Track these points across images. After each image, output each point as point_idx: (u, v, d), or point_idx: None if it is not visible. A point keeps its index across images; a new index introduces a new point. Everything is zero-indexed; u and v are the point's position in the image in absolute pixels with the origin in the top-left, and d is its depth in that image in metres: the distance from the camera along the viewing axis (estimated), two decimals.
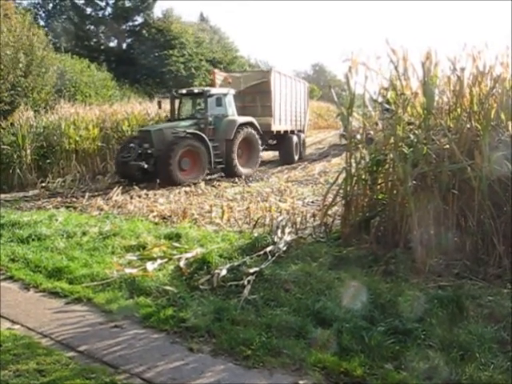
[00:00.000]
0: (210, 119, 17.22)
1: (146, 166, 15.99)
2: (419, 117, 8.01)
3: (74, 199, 13.98)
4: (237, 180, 16.51)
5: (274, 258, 7.15)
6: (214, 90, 18.04)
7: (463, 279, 6.47)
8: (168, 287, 6.25)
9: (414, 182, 7.42)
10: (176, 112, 18.70)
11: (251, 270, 6.43)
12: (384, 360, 4.48)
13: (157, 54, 36.46)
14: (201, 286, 6.29)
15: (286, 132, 21.70)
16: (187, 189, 15.16)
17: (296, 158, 22.27)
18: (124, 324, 5.49)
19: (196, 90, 18.32)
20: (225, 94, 17.91)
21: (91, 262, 7.44)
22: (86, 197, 13.89)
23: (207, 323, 5.26)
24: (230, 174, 17.47)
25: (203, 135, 16.67)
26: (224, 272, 6.51)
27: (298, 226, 8.96)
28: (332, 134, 38.27)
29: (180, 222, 10.32)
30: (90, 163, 19.07)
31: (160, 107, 19.73)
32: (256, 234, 8.73)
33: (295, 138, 22.41)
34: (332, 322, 5.16)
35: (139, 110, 22.41)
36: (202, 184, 15.77)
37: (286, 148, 21.21)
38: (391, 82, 8.02)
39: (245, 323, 5.26)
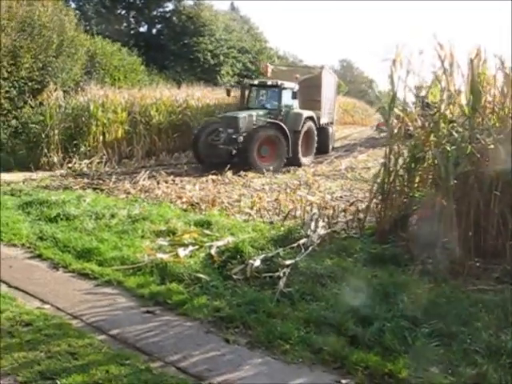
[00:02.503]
0: (283, 111, 17.93)
1: (234, 150, 16.42)
2: (462, 115, 7.72)
3: (101, 181, 13.85)
4: (264, 171, 16.27)
5: (308, 251, 6.96)
6: (286, 84, 18.50)
7: (503, 284, 6.22)
8: (200, 275, 6.10)
9: (456, 181, 7.14)
10: (245, 101, 19.37)
11: (287, 262, 6.24)
12: (429, 363, 4.28)
13: (186, 41, 36.28)
14: (234, 276, 6.13)
15: (325, 124, 22.14)
16: (214, 177, 14.97)
17: (330, 148, 22.98)
18: (156, 310, 5.36)
19: (270, 82, 18.81)
20: (292, 89, 18.42)
21: (121, 244, 7.32)
22: (113, 179, 13.78)
23: (242, 314, 5.11)
24: (293, 162, 17.84)
25: (283, 125, 17.13)
26: (258, 262, 6.34)
27: (329, 220, 8.72)
28: (358, 131, 38.01)
29: (209, 209, 10.16)
30: (117, 146, 18.90)
31: (229, 95, 20.77)
32: (287, 226, 8.58)
33: (330, 129, 22.97)
34: (373, 321, 4.96)
35: (168, 95, 22.24)
36: (229, 173, 15.58)
37: (323, 138, 21.29)
38: (436, 77, 7.71)
39: (281, 316, 5.10)
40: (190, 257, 6.87)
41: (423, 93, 8.28)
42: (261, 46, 45.79)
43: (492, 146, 7.10)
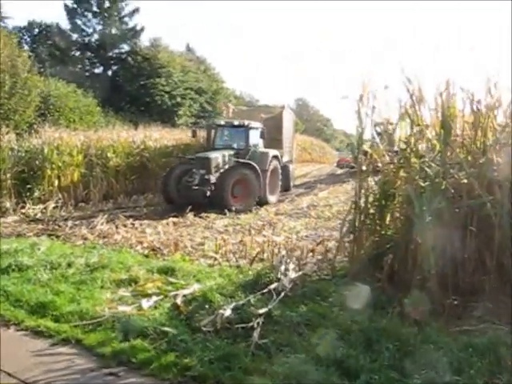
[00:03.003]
0: (251, 150, 18.29)
1: (208, 191, 16.33)
2: (431, 149, 7.57)
3: (56, 227, 13.19)
4: (226, 212, 15.90)
5: (280, 297, 6.56)
6: (253, 124, 18.99)
7: (485, 323, 5.99)
8: (167, 328, 5.61)
9: (430, 217, 6.92)
10: (212, 141, 19.71)
11: (260, 311, 5.82)
12: None
13: (142, 83, 36.07)
14: (203, 328, 5.65)
15: (286, 162, 22.39)
16: (175, 219, 14.52)
17: (291, 185, 23.18)
18: (120, 371, 4.84)
19: (236, 122, 19.05)
20: (257, 128, 19.02)
21: (79, 297, 6.75)
22: (69, 225, 13.16)
23: (216, 372, 4.66)
24: (261, 201, 17.92)
25: (255, 165, 17.35)
26: (228, 312, 5.89)
27: (299, 262, 8.36)
28: (316, 168, 38.21)
29: (172, 254, 9.69)
30: (73, 190, 18.28)
31: (194, 136, 21.07)
32: (256, 270, 8.20)
33: (291, 167, 23.23)
34: (359, 373, 4.58)
35: (125, 137, 21.81)
36: (190, 215, 15.15)
37: (284, 177, 21.25)
38: (405, 111, 7.56)
39: (259, 373, 4.68)
40: (155, 308, 6.38)
41: (390, 128, 8.08)
42: (217, 86, 46.01)
43: (465, 181, 6.94)
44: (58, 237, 11.83)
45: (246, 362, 4.85)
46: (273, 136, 20.65)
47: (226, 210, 15.72)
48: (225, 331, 5.64)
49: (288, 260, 7.88)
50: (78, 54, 39.05)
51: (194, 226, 13.59)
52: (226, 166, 17.17)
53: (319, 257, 9.64)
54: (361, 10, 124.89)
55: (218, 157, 17.18)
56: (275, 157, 19.19)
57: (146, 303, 6.33)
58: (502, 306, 6.34)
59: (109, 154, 20.05)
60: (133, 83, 35.78)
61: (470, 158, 7.11)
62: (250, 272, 8.17)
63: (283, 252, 8.70)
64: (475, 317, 6.21)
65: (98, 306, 6.36)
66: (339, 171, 34.08)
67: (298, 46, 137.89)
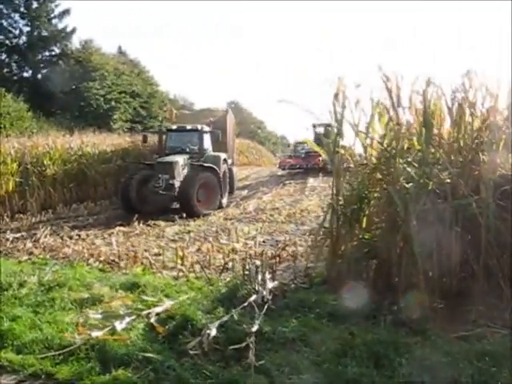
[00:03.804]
0: (205, 154, 18.35)
1: (175, 196, 16.33)
2: (409, 149, 7.30)
3: None
4: (176, 218, 15.26)
5: (264, 311, 6.07)
6: (205, 128, 19.05)
7: (481, 327, 5.79)
8: (149, 354, 5.00)
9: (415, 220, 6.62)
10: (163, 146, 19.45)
11: (253, 329, 5.30)
12: None
13: (75, 86, 34.63)
14: (190, 351, 5.07)
15: (230, 165, 22.17)
16: (122, 228, 13.77)
17: (235, 188, 23.07)
18: None
19: (189, 127, 18.86)
20: (207, 132, 19.05)
21: (39, 322, 5.96)
22: (10, 238, 12.15)
23: None
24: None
25: (216, 168, 17.51)
26: (214, 332, 5.34)
27: (272, 271, 7.91)
28: (255, 171, 37.88)
29: (130, 267, 9.01)
30: (8, 201, 17.10)
31: (145, 141, 20.83)
32: (228, 281, 7.71)
33: (234, 170, 23.24)
34: None
35: (61, 143, 20.69)
36: (136, 223, 14.41)
37: (229, 179, 21.06)
38: (384, 110, 7.23)
39: None
40: (129, 330, 5.73)
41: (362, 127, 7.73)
42: (152, 89, 44.91)
43: (448, 181, 6.69)
44: None
45: None
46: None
47: (177, 217, 15.15)
48: (213, 353, 5.11)
49: (263, 269, 7.41)
50: (4, 56, 37.15)
51: (144, 235, 12.90)
52: (185, 171, 17.12)
53: (286, 263, 9.29)
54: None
55: (179, 161, 17.00)
56: (225, 160, 19.24)
57: (119, 325, 5.67)
58: (494, 309, 6.14)
59: (45, 162, 18.96)
60: (65, 87, 34.27)
61: (452, 157, 6.84)
62: (220, 284, 7.68)
63: (256, 261, 8.18)
64: (470, 321, 5.97)
65: (64, 332, 5.65)
66: (280, 172, 33.93)
67: (227, 50, 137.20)
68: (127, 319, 5.88)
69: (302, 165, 32.24)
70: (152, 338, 5.49)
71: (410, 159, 6.96)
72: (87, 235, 12.79)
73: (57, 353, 5.09)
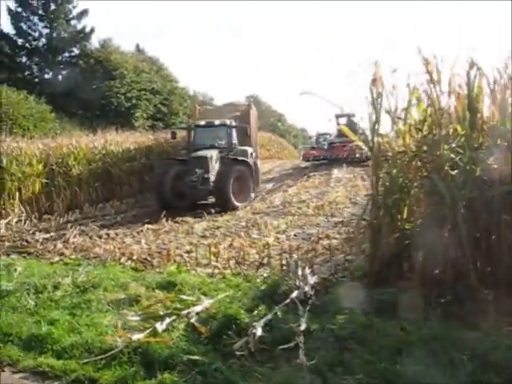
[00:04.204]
0: (234, 148, 18.37)
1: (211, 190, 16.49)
2: (452, 134, 6.96)
3: (25, 243, 12.09)
4: (204, 214, 15.08)
5: (308, 308, 5.84)
6: (233, 123, 19.06)
7: None
8: (195, 356, 4.79)
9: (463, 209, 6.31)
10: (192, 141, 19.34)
11: (302, 328, 5.06)
12: None
13: (95, 86, 34.64)
14: (237, 352, 4.86)
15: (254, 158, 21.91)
16: (150, 226, 13.62)
17: (259, 182, 22.60)
18: None
19: (217, 122, 18.82)
20: (235, 127, 19.01)
21: (77, 325, 5.82)
22: (39, 239, 12.07)
23: None
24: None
25: (249, 161, 17.84)
26: (259, 331, 5.12)
27: (312, 265, 7.66)
28: (277, 164, 37.58)
29: (163, 265, 8.83)
30: (35, 202, 17.05)
31: (174, 138, 20.28)
32: (262, 277, 7.50)
33: (259, 164, 22.52)
34: None
35: (85, 142, 20.60)
36: (164, 220, 14.26)
37: (255, 173, 20.86)
38: (426, 95, 6.90)
39: None
40: (169, 331, 5.54)
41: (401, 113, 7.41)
42: (172, 86, 44.74)
43: (495, 166, 6.36)
44: (29, 254, 10.79)
45: None
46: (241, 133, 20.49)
47: (205, 213, 14.96)
48: (260, 353, 4.89)
49: (303, 264, 7.18)
50: (24, 59, 37.30)
51: (173, 232, 12.73)
52: (217, 165, 17.10)
53: (322, 257, 9.04)
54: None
55: (212, 155, 17.09)
56: (251, 154, 19.07)
57: (160, 327, 5.48)
58: None
59: (70, 162, 18.81)
60: (86, 87, 34.26)
61: (499, 141, 6.49)
62: (258, 280, 7.46)
63: (295, 256, 7.95)
64: None
65: (104, 334, 5.48)
66: (303, 164, 33.71)
67: (246, 42, 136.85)
68: (167, 320, 5.68)
69: (326, 156, 32.03)
70: (195, 339, 5.30)
71: (453, 145, 6.62)
72: (116, 234, 12.67)
73: (98, 357, 4.90)
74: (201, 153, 17.42)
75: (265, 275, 7.77)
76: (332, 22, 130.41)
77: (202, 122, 19.07)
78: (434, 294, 6.15)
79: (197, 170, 16.51)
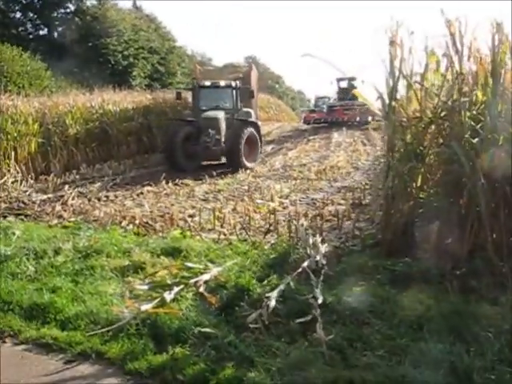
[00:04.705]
0: (240, 110, 18.21)
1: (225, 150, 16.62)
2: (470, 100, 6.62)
3: (22, 204, 11.79)
4: (206, 177, 14.78)
5: (321, 278, 5.61)
6: (239, 84, 18.73)
7: None
8: (207, 329, 4.57)
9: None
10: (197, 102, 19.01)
11: (319, 301, 4.83)
12: None
13: (92, 44, 33.80)
14: (250, 325, 4.64)
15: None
16: (150, 188, 13.34)
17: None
18: None
19: (223, 83, 18.60)
20: (240, 88, 18.68)
21: (81, 293, 5.57)
22: (37, 201, 11.78)
23: None
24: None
25: (258, 123, 18.14)
26: (273, 303, 4.89)
27: (321, 233, 7.42)
28: (276, 126, 37.25)
29: (167, 230, 8.58)
30: (31, 162, 16.67)
31: (179, 98, 20.52)
32: (270, 243, 7.28)
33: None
34: (469, 373, 3.70)
35: (82, 101, 20.10)
36: (164, 182, 13.97)
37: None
38: (447, 58, 6.53)
39: (359, 382, 3.69)
40: (177, 301, 5.31)
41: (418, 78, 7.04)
42: (169, 45, 43.83)
43: None
44: (26, 216, 10.51)
45: (326, 369, 3.88)
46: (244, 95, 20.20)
47: (207, 176, 14.67)
48: (275, 326, 4.68)
49: (313, 232, 6.94)
50: (18, 15, 36.30)
51: (174, 195, 12.45)
52: (224, 126, 17.04)
53: (328, 224, 8.80)
54: None
55: (222, 117, 17.09)
56: (254, 116, 18.87)
57: (168, 296, 5.24)
58: None
59: (67, 121, 18.33)
60: (82, 44, 33.42)
61: None
62: (266, 247, 7.23)
63: (304, 223, 7.70)
64: None
65: (109, 304, 5.24)
66: (303, 127, 33.59)
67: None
68: (175, 289, 5.44)
69: (327, 119, 32.02)
70: (205, 310, 5.08)
71: (474, 112, 6.30)
72: (115, 196, 12.41)
73: (105, 329, 4.66)
74: (211, 114, 17.26)
75: (272, 242, 7.55)
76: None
77: (208, 83, 18.70)
78: (448, 266, 5.94)
79: (210, 131, 16.48)
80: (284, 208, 10.46)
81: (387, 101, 6.79)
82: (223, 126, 16.95)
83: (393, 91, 6.71)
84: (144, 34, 39.07)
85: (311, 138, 27.69)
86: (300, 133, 31.64)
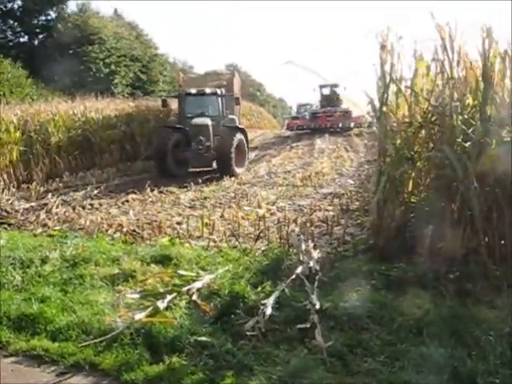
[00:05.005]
0: (226, 117, 18.34)
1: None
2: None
3: (4, 213, 11.55)
4: (187, 184, 14.66)
5: (316, 284, 5.54)
6: (224, 92, 19.00)
7: None
8: (202, 337, 4.46)
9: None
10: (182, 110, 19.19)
11: (317, 306, 4.76)
12: None
13: (73, 51, 33.46)
14: (248, 333, 4.54)
15: None
16: (135, 196, 13.16)
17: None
18: None
19: (208, 91, 18.76)
20: (225, 96, 18.92)
21: (71, 302, 5.42)
22: (21, 210, 11.56)
23: None
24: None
25: (245, 129, 18.47)
26: (269, 310, 4.81)
27: (313, 239, 7.36)
28: (259, 134, 37.20)
29: (155, 238, 8.45)
30: (13, 171, 16.41)
31: (165, 106, 20.69)
32: (260, 250, 7.20)
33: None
34: (473, 378, 3.65)
35: (65, 109, 19.88)
36: (149, 190, 13.81)
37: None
38: (437, 63, 6.54)
39: None
40: (170, 309, 5.20)
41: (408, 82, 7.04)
42: (151, 53, 43.62)
43: (508, 139, 6.07)
44: (10, 225, 10.30)
45: (328, 377, 3.80)
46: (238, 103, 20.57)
47: (192, 183, 14.56)
48: (272, 334, 4.59)
49: (306, 238, 6.88)
50: None
51: (159, 203, 12.31)
52: (212, 133, 17.13)
53: (318, 230, 8.75)
54: None
55: (212, 124, 17.19)
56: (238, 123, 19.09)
57: (161, 305, 5.13)
58: None
59: (49, 129, 18.12)
60: (63, 52, 33.09)
61: None
62: (257, 254, 7.14)
63: (296, 229, 7.64)
64: None
65: (100, 314, 5.10)
66: (287, 133, 33.81)
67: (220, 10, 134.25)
68: (168, 297, 5.32)
69: (310, 125, 32.26)
70: (200, 319, 4.98)
71: (466, 116, 6.30)
72: (100, 204, 12.21)
73: (98, 339, 4.52)
74: (200, 121, 17.34)
75: (263, 248, 7.48)
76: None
77: (194, 91, 18.84)
78: (443, 270, 5.92)
79: (201, 138, 16.66)
80: (271, 214, 10.38)
81: (378, 105, 6.76)
82: (211, 132, 17.01)
83: (384, 96, 6.68)
84: (126, 41, 38.82)
85: (294, 144, 27.73)
86: (283, 140, 31.71)
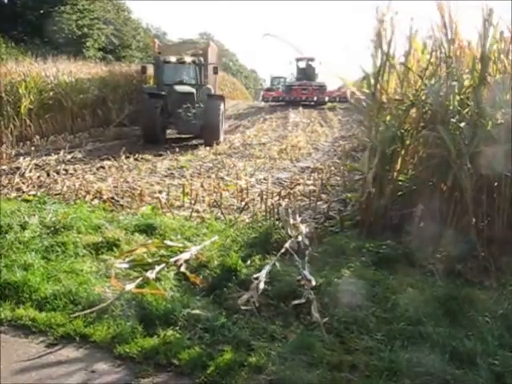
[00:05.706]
0: (204, 85, 18.67)
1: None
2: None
3: None
4: (168, 152, 14.41)
5: (307, 259, 5.49)
6: (202, 61, 19.39)
7: None
8: (197, 311, 4.36)
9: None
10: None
11: (312, 283, 4.69)
12: None
13: (44, 11, 32.27)
14: (242, 307, 4.46)
15: None
16: (109, 163, 12.87)
17: None
18: (168, 382, 3.56)
19: (188, 59, 18.93)
20: (203, 65, 19.35)
21: (55, 271, 5.24)
22: None
23: (301, 374, 3.50)
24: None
25: (223, 97, 18.93)
26: (262, 284, 4.73)
27: (300, 213, 7.29)
28: (231, 105, 36.81)
29: (136, 206, 8.27)
30: None
31: (144, 72, 20.71)
32: (245, 222, 7.13)
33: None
34: (472, 358, 3.66)
35: (37, 71, 19.23)
36: (123, 157, 13.54)
37: None
38: (434, 41, 6.46)
39: (351, 367, 3.59)
40: (159, 280, 5.07)
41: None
42: (124, 16, 42.53)
43: (502, 121, 6.06)
44: None
45: (326, 354, 3.75)
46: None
47: (169, 152, 14.35)
48: (266, 308, 4.52)
49: (294, 211, 6.80)
50: None
51: (137, 170, 12.07)
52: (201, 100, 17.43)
53: (300, 203, 8.69)
54: None
55: (196, 91, 17.37)
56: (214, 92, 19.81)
57: (150, 275, 4.99)
58: None
59: (21, 91, 17.54)
60: (34, 11, 31.90)
61: (508, 96, 6.13)
62: (241, 226, 7.05)
63: (282, 202, 7.55)
64: None
65: (87, 283, 4.94)
66: (262, 104, 33.92)
67: None
68: (157, 268, 5.19)
69: (285, 98, 32.40)
70: (190, 291, 4.87)
71: (462, 97, 6.26)
72: (75, 170, 11.89)
73: (88, 311, 4.36)
74: (184, 88, 17.35)
75: (247, 220, 7.40)
76: None
77: (173, 59, 18.81)
78: (429, 249, 5.93)
79: (189, 105, 16.70)
80: (251, 187, 10.28)
81: (373, 81, 6.66)
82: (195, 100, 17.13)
83: (379, 72, 6.57)
84: (100, 4, 37.66)
85: (268, 117, 27.67)
86: (256, 111, 31.65)
